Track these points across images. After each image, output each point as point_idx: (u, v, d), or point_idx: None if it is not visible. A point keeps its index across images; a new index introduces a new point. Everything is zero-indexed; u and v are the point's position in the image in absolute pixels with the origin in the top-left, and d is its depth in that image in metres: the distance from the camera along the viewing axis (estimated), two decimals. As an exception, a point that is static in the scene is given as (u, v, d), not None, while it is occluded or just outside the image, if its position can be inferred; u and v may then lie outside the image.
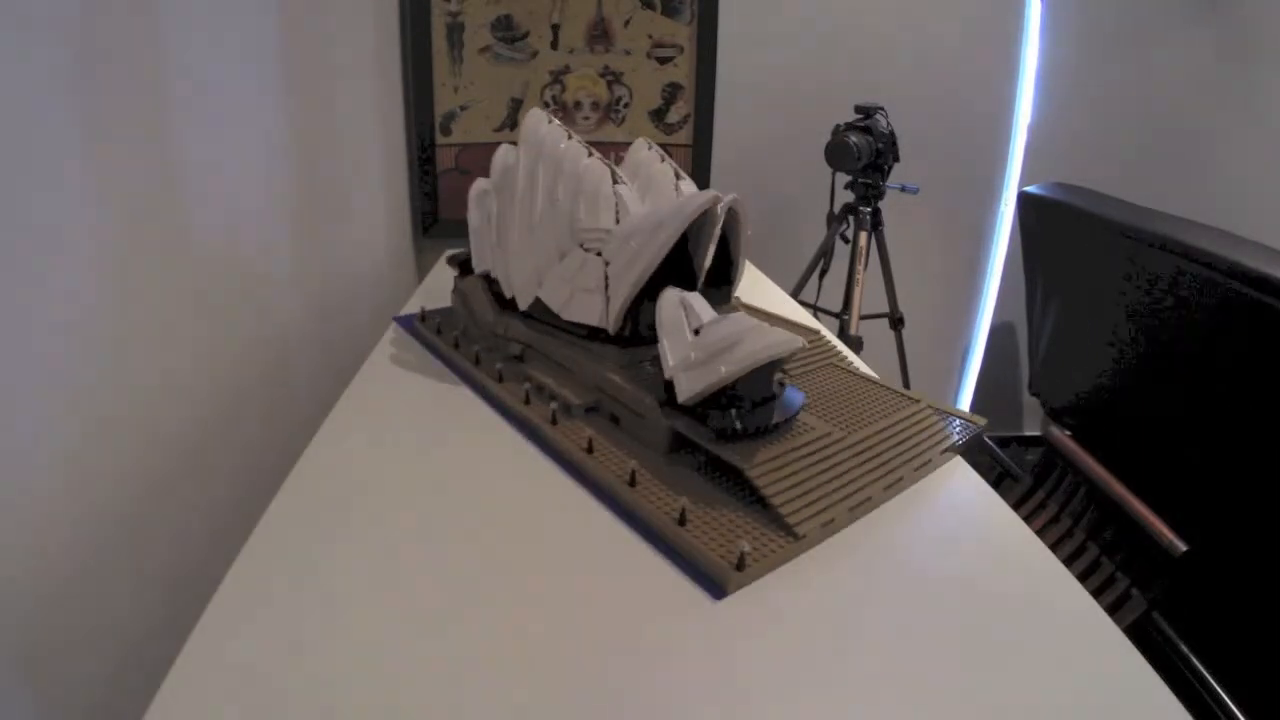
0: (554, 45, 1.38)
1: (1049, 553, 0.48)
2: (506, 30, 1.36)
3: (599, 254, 0.62)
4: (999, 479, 1.48)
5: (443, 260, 1.05)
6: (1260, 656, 0.95)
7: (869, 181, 1.37)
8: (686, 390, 0.51)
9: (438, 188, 1.39)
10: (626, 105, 1.43)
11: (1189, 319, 1.06)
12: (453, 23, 1.33)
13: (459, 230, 0.95)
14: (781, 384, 0.54)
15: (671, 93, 1.43)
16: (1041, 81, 1.64)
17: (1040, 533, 0.51)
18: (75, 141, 0.48)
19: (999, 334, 1.85)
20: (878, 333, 1.48)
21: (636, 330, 0.62)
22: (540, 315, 0.67)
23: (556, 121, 0.68)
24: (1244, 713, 0.93)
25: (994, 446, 1.57)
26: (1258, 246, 0.99)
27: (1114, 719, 0.36)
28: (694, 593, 0.43)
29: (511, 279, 0.69)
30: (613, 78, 1.41)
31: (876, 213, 1.40)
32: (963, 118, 1.64)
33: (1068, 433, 1.37)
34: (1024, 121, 1.67)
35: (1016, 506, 1.06)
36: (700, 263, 0.63)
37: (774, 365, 0.53)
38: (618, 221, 0.63)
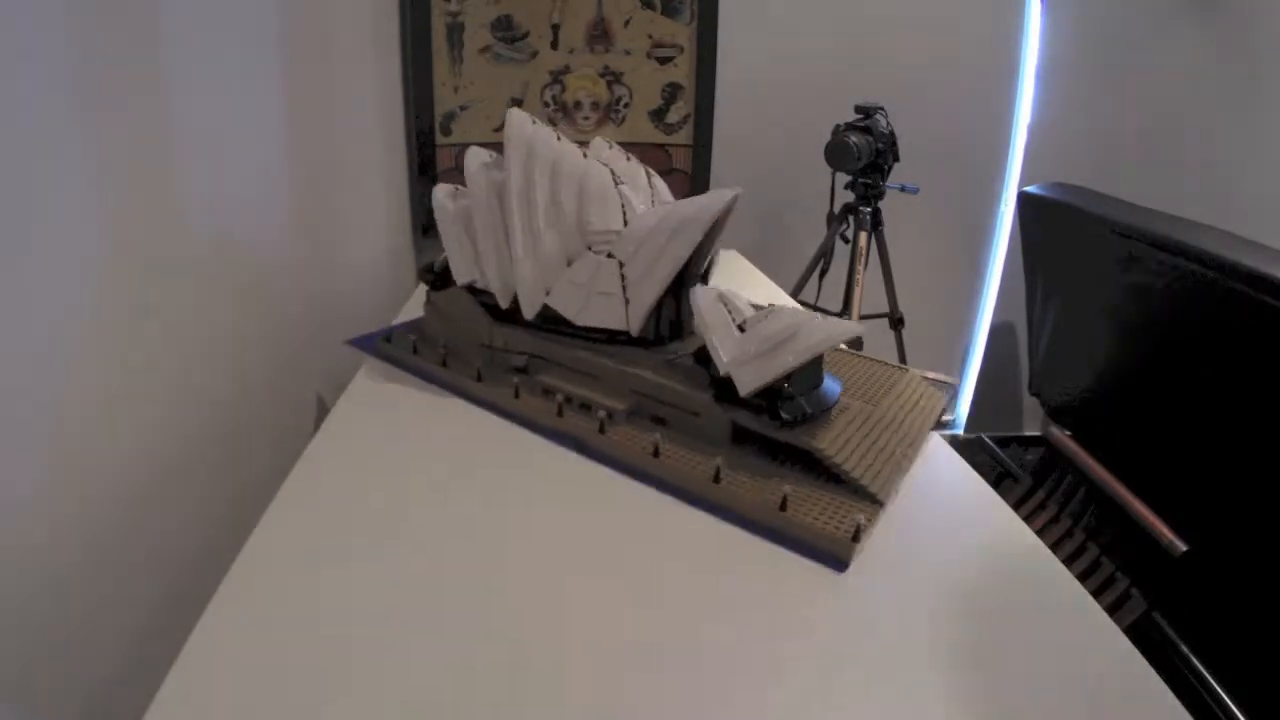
0: (554, 45, 1.38)
1: (1049, 553, 0.48)
2: (506, 30, 1.35)
3: (609, 256, 0.61)
4: (999, 479, 1.48)
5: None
6: (1260, 656, 0.94)
7: (869, 181, 1.37)
8: (750, 384, 0.53)
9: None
10: (626, 105, 1.43)
11: (1189, 319, 1.06)
12: (453, 23, 1.33)
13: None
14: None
15: (671, 93, 1.43)
16: (1041, 81, 1.64)
17: (1040, 533, 0.51)
18: (75, 142, 0.48)
19: (999, 334, 1.84)
20: (878, 333, 1.48)
21: (658, 330, 0.63)
22: (547, 323, 0.65)
23: (539, 121, 0.66)
24: (1244, 713, 0.93)
25: (994, 446, 1.57)
26: (1258, 246, 0.99)
27: (1114, 719, 0.36)
28: (816, 569, 0.45)
29: (517, 288, 0.65)
30: (613, 78, 1.41)
31: (876, 213, 1.40)
32: (963, 118, 1.64)
33: (1068, 433, 1.37)
34: (1024, 121, 1.67)
35: (1016, 506, 1.06)
36: (702, 261, 0.63)
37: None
38: (625, 223, 0.63)
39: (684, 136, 1.46)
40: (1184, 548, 1.06)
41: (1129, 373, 1.23)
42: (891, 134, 1.35)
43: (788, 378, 0.53)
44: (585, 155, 0.65)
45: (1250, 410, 0.97)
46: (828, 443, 0.52)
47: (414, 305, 0.88)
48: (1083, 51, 1.63)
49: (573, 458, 0.57)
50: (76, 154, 0.48)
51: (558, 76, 1.40)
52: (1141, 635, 1.06)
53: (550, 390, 0.62)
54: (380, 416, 0.64)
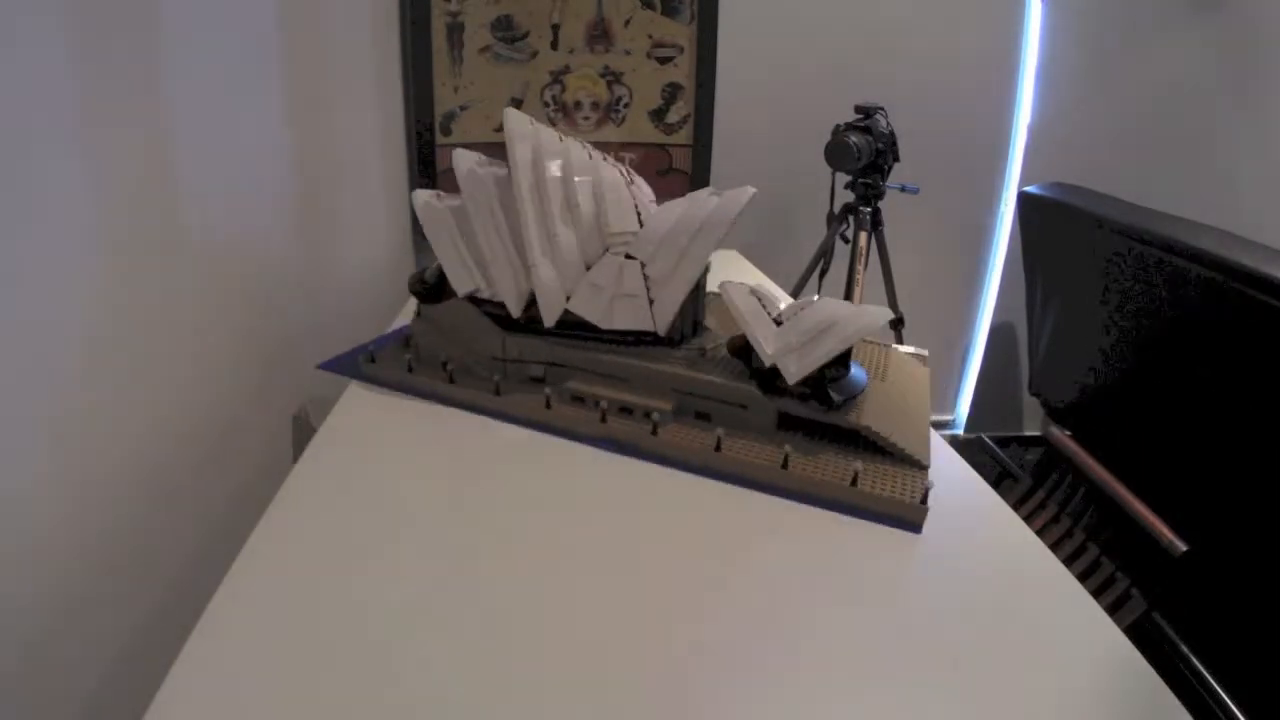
0: (554, 45, 1.38)
1: (1049, 553, 0.48)
2: (506, 30, 1.36)
3: (628, 257, 0.61)
4: (999, 479, 1.48)
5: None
6: (1260, 656, 0.94)
7: (869, 181, 1.37)
8: (796, 373, 0.56)
9: (437, 188, 1.39)
10: (626, 105, 1.43)
11: (1189, 319, 1.06)
12: (453, 23, 1.33)
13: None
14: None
15: (671, 93, 1.43)
16: (1041, 81, 1.64)
17: (1040, 533, 0.51)
18: (72, 143, 0.48)
19: (999, 334, 1.84)
20: (878, 333, 1.48)
21: (682, 328, 0.64)
22: (564, 329, 0.63)
23: (535, 123, 0.65)
24: (1244, 713, 0.93)
25: (994, 446, 1.57)
26: (1258, 246, 0.99)
27: (1114, 719, 0.36)
28: (895, 533, 0.50)
29: (537, 294, 0.63)
30: (613, 78, 1.41)
31: (876, 213, 1.40)
32: (963, 118, 1.64)
33: (1068, 433, 1.37)
34: (1024, 121, 1.67)
35: (1016, 506, 1.06)
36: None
37: None
38: (640, 223, 0.63)
39: (684, 136, 1.46)
40: (1184, 548, 1.06)
41: (1129, 373, 1.23)
42: (891, 134, 1.35)
43: (828, 365, 0.56)
44: (592, 155, 0.64)
45: (1250, 410, 0.97)
46: (873, 420, 0.56)
47: (412, 307, 0.87)
48: (1083, 51, 1.63)
49: (610, 461, 0.57)
50: (74, 155, 0.48)
51: (558, 76, 1.40)
52: (1141, 635, 1.06)
53: (581, 397, 0.61)
54: (380, 419, 0.63)
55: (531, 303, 0.64)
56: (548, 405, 0.61)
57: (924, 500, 0.50)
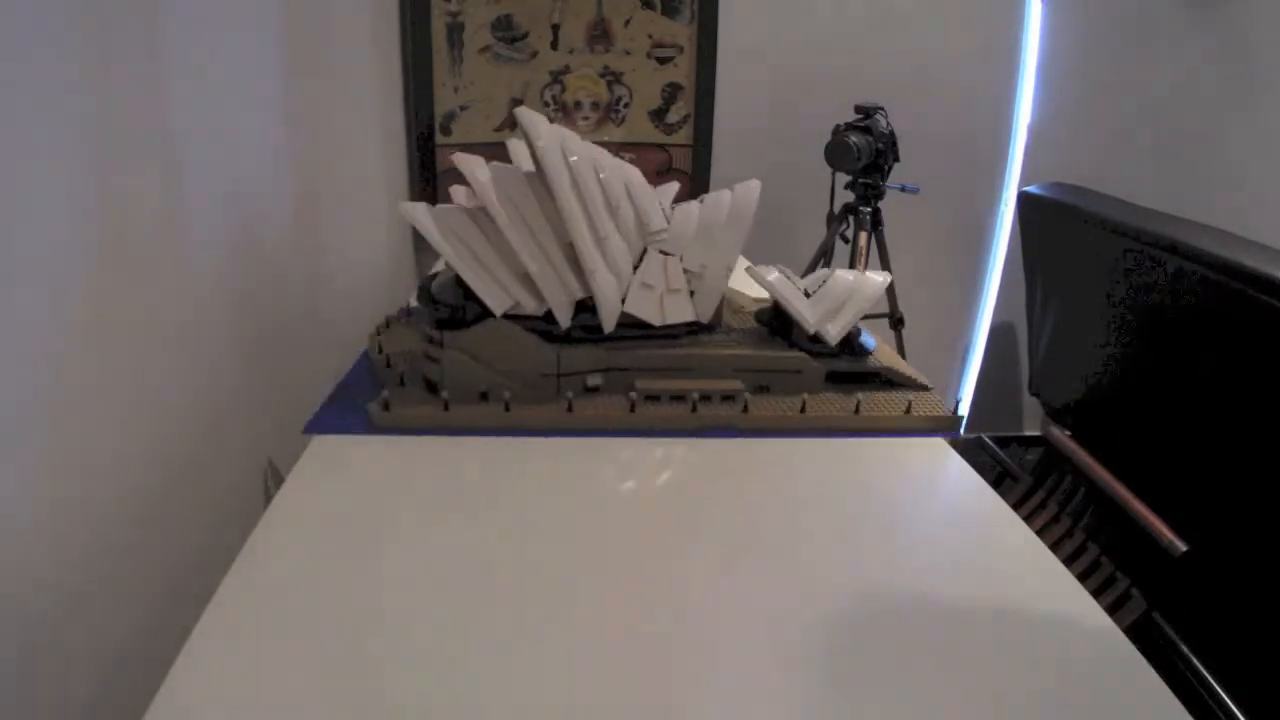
0: (554, 45, 1.38)
1: (1049, 553, 0.48)
2: (506, 30, 1.36)
3: (665, 253, 0.64)
4: (999, 479, 1.48)
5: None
6: (1260, 656, 0.94)
7: (869, 181, 1.37)
8: (836, 335, 0.67)
9: (437, 188, 1.39)
10: (626, 105, 1.43)
11: (1189, 319, 1.06)
12: (453, 23, 1.33)
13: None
14: None
15: (671, 93, 1.43)
16: (1041, 81, 1.64)
17: (1040, 533, 0.51)
18: (71, 145, 0.48)
19: (999, 334, 1.84)
20: (878, 333, 1.48)
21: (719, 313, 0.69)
22: (621, 332, 0.63)
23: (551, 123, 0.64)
24: (1244, 713, 0.93)
25: (994, 446, 1.57)
26: (1258, 246, 0.99)
27: (1114, 719, 0.36)
28: (938, 441, 0.63)
29: (597, 301, 0.61)
30: (613, 78, 1.41)
31: (876, 213, 1.40)
32: (963, 118, 1.64)
33: (1068, 433, 1.37)
34: (1024, 121, 1.67)
35: (1016, 506, 1.06)
36: None
37: None
38: (667, 220, 0.65)
39: (684, 136, 1.46)
40: (1184, 548, 1.06)
41: (1129, 373, 1.23)
42: (891, 134, 1.35)
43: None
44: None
45: (1250, 410, 0.97)
46: (893, 363, 0.70)
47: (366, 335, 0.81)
48: (1083, 51, 1.63)
49: (702, 446, 0.60)
50: (73, 157, 0.48)
51: (558, 76, 1.40)
52: (1141, 635, 1.06)
53: (655, 395, 0.62)
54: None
55: (577, 311, 0.63)
56: (632, 409, 0.61)
57: (955, 410, 0.64)
